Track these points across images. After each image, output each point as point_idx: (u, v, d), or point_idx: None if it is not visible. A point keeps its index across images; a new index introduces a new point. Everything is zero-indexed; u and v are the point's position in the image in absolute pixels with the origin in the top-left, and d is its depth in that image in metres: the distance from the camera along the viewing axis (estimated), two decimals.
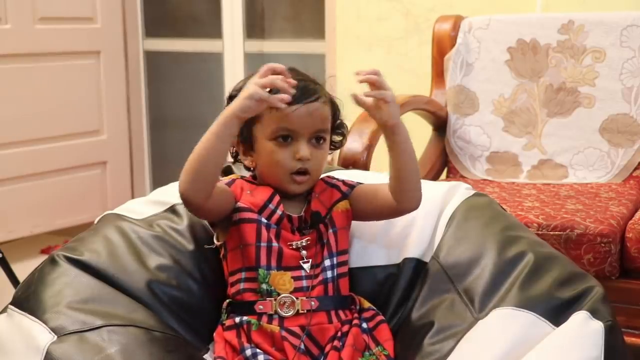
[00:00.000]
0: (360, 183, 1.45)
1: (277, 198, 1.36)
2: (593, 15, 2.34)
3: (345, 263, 1.39)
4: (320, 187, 1.42)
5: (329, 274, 1.34)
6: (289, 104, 1.29)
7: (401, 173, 1.35)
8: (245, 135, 1.38)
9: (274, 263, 1.32)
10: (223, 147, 1.28)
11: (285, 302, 1.30)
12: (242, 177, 1.42)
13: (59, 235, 3.45)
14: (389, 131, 1.33)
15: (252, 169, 1.43)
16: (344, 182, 1.44)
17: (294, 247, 1.34)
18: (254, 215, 1.34)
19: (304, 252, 1.34)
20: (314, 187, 1.41)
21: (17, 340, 1.20)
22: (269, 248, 1.33)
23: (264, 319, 1.30)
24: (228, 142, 1.29)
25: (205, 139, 1.27)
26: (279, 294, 1.31)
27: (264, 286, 1.31)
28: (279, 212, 1.35)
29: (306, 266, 1.33)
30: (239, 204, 1.35)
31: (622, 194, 2.08)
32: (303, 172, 1.35)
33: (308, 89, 1.34)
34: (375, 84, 1.29)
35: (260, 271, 1.32)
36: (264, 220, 1.34)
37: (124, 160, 3.75)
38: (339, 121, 1.44)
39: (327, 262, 1.35)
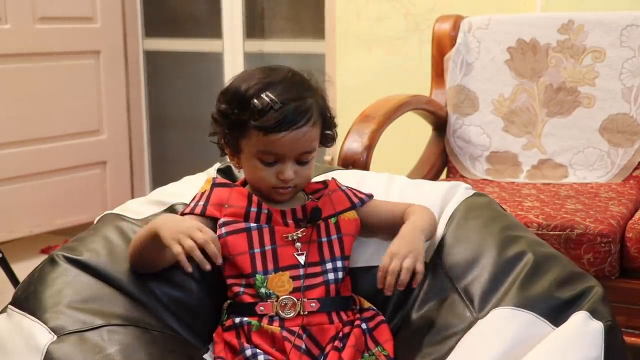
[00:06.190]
0: (371, 196, 1.44)
1: (255, 199, 1.35)
2: (593, 15, 2.34)
3: (347, 267, 1.39)
4: (332, 187, 1.42)
5: (330, 276, 1.34)
6: (277, 130, 1.27)
7: None
8: (232, 142, 1.36)
9: (270, 267, 1.32)
10: (153, 255, 1.30)
11: (286, 304, 1.30)
12: (215, 184, 1.40)
13: (59, 235, 3.45)
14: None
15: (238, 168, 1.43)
16: (354, 192, 1.43)
17: (289, 239, 1.33)
18: (242, 225, 1.33)
19: (298, 245, 1.33)
20: (325, 186, 1.42)
21: (17, 340, 1.20)
22: (263, 253, 1.32)
23: (265, 320, 1.29)
24: (156, 253, 1.30)
25: (137, 240, 1.30)
26: (278, 297, 1.30)
27: (263, 290, 1.31)
28: (264, 210, 1.34)
29: (301, 259, 1.33)
30: (222, 220, 1.34)
31: (622, 194, 2.08)
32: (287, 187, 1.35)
33: (298, 112, 1.29)
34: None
35: (258, 277, 1.31)
36: (253, 225, 1.33)
37: (124, 160, 3.75)
38: (328, 121, 1.43)
39: (329, 265, 1.34)
